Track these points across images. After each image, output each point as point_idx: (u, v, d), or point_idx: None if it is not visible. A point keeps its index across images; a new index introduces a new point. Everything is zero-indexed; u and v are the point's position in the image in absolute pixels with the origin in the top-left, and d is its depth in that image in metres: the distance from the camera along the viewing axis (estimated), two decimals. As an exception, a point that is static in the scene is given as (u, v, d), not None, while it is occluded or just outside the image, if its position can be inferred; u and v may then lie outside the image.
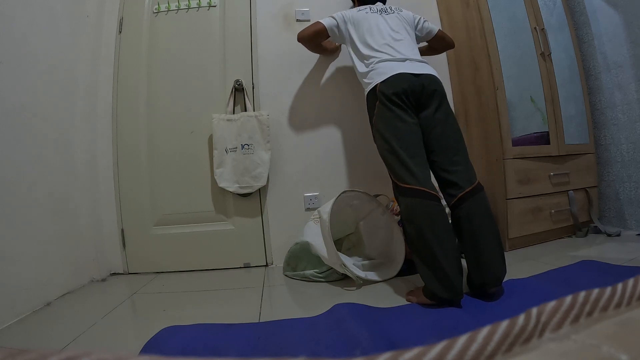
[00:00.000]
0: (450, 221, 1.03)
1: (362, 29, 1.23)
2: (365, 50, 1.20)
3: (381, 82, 1.09)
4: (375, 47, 1.18)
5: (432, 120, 1.08)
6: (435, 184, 1.07)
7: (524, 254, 1.43)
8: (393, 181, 1.07)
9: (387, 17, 1.25)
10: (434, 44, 1.44)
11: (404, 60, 1.13)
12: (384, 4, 1.35)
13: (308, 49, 1.48)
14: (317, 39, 1.37)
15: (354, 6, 1.40)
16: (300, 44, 1.38)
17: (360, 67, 1.21)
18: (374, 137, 1.16)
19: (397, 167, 1.04)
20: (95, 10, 1.58)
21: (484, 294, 0.97)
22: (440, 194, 1.05)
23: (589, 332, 0.16)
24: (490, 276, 0.95)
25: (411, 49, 1.20)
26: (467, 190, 1.01)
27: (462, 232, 1.00)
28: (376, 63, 1.15)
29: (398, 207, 1.41)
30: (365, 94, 1.19)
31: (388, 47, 1.16)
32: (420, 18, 1.34)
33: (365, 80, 1.18)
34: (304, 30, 1.34)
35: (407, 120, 1.06)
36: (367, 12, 1.27)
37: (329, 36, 1.32)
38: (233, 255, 1.56)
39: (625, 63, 1.70)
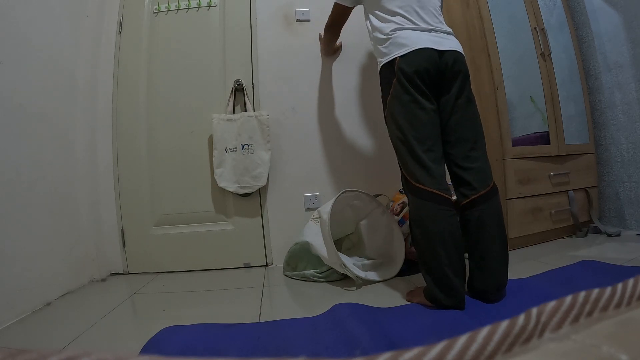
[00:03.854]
0: (458, 222, 0.98)
1: None
2: (383, 13, 1.04)
3: (400, 57, 0.96)
4: (396, 10, 1.01)
5: (453, 106, 0.98)
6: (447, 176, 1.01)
7: (524, 254, 1.43)
8: (403, 174, 1.00)
9: None
10: None
11: (429, 30, 0.99)
12: None
13: (327, 41, 1.49)
14: (342, 20, 1.34)
15: None
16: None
17: (376, 32, 1.04)
18: (385, 118, 1.05)
19: (409, 161, 0.95)
20: (95, 10, 1.58)
21: (483, 299, 0.96)
22: (453, 195, 0.99)
23: (589, 332, 0.16)
24: (493, 285, 0.94)
25: (437, 15, 1.04)
26: (481, 193, 0.95)
27: (469, 235, 0.97)
28: (395, 30, 0.99)
29: (398, 207, 1.41)
30: (380, 65, 1.04)
31: (412, 11, 1.00)
32: None
33: (382, 49, 1.02)
34: (328, 18, 1.35)
35: (426, 106, 0.95)
36: None
37: (351, 7, 1.23)
38: (233, 255, 1.56)
39: (625, 63, 1.70)
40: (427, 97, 0.97)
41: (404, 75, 0.95)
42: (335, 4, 1.25)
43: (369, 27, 1.11)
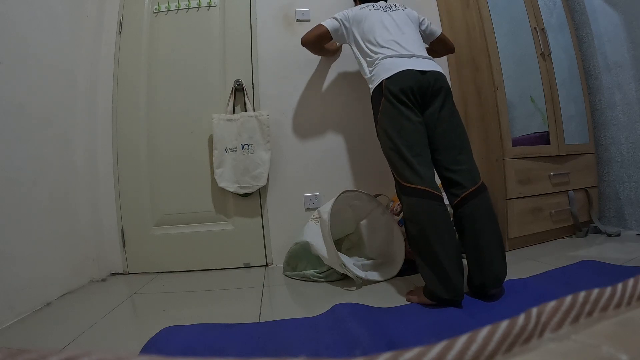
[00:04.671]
0: (452, 220, 1.02)
1: (365, 26, 1.21)
2: (370, 47, 1.18)
3: (387, 79, 1.07)
4: (381, 43, 1.15)
5: (437, 118, 1.07)
6: (439, 183, 1.06)
7: (524, 254, 1.43)
8: (396, 180, 1.06)
9: (393, 14, 1.23)
10: (434, 47, 1.43)
11: (410, 56, 1.11)
12: (386, 1, 1.34)
13: (311, 52, 1.48)
14: (321, 42, 1.37)
15: (356, 4, 1.38)
16: (301, 46, 1.38)
17: (365, 64, 1.19)
18: (377, 134, 1.14)
19: (400, 166, 1.02)
20: (95, 10, 1.58)
21: (483, 295, 0.97)
22: (444, 194, 1.04)
23: (589, 332, 0.16)
24: (491, 277, 0.95)
25: (417, 45, 1.18)
26: (471, 190, 1.00)
27: (464, 232, 1.00)
28: (382, 59, 1.12)
29: (398, 207, 1.41)
30: (371, 90, 1.16)
31: (394, 43, 1.14)
32: (424, 18, 1.34)
33: (371, 76, 1.15)
34: (307, 34, 1.34)
35: (412, 118, 1.04)
36: (370, 10, 1.25)
37: (332, 38, 1.32)
38: (233, 255, 1.56)
39: (625, 63, 1.70)
40: (413, 110, 1.06)
41: (391, 94, 1.06)
42: (319, 25, 1.30)
43: (358, 62, 1.24)
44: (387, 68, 1.09)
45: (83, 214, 1.43)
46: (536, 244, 1.58)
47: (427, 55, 1.16)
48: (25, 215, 1.12)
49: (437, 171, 1.08)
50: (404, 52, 1.12)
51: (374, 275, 1.23)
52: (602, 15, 1.79)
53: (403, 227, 1.33)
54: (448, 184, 1.06)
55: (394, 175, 1.08)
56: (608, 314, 0.18)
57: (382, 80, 1.08)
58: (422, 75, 1.06)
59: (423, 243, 0.96)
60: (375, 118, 1.15)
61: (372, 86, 1.15)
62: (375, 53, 1.15)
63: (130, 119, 1.58)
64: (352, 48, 1.29)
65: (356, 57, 1.26)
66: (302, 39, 1.36)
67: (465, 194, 1.00)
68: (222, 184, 1.50)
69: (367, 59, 1.18)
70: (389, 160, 1.08)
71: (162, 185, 1.57)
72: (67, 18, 1.43)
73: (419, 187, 0.97)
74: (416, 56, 1.12)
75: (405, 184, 1.01)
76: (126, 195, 1.56)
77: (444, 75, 1.11)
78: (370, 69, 1.16)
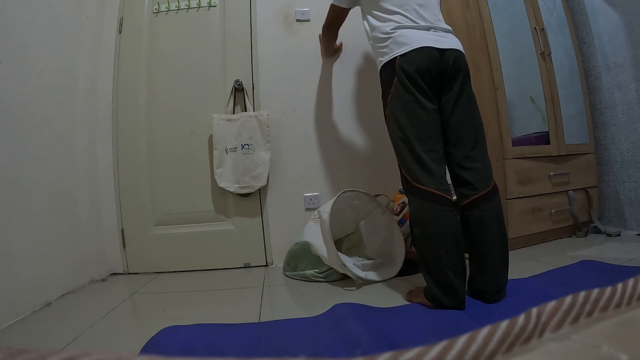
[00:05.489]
0: (459, 223, 0.97)
1: None
2: (382, 12, 1.03)
3: (401, 55, 0.95)
4: (395, 9, 1.00)
5: (453, 105, 0.97)
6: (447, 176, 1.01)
7: (524, 254, 1.43)
8: (403, 175, 0.99)
9: None
10: None
11: (428, 28, 0.99)
12: None
13: (326, 43, 1.48)
14: (339, 21, 1.32)
15: None
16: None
17: (376, 32, 1.04)
18: (385, 117, 1.04)
19: (409, 161, 0.95)
20: (95, 10, 1.58)
21: (483, 299, 0.95)
22: (453, 195, 0.99)
23: (589, 332, 0.16)
24: (492, 285, 0.94)
25: (436, 12, 1.04)
26: (482, 193, 0.95)
27: (469, 235, 0.97)
28: (395, 29, 0.98)
29: (398, 207, 1.41)
30: (380, 64, 1.03)
31: (411, 10, 1.00)
32: None
33: (382, 49, 1.01)
34: (324, 21, 1.35)
35: (427, 106, 0.95)
36: None
37: (348, 8, 1.21)
38: (233, 255, 1.56)
39: (625, 63, 1.70)
40: (428, 96, 0.96)
41: (405, 74, 0.94)
42: (332, 5, 1.25)
43: (367, 28, 1.10)
44: (402, 42, 0.96)
45: (83, 214, 1.43)
46: (536, 244, 1.58)
47: (447, 27, 1.03)
48: (25, 215, 1.12)
49: (448, 165, 1.01)
50: (422, 23, 0.99)
51: (374, 276, 1.23)
52: (602, 15, 1.79)
53: (403, 227, 1.33)
54: (458, 181, 0.99)
55: (400, 168, 1.00)
56: (608, 314, 0.18)
57: (396, 56, 0.96)
58: (441, 56, 0.95)
59: (428, 248, 0.92)
60: (384, 98, 1.03)
61: (382, 60, 1.01)
62: (387, 20, 1.01)
63: (130, 119, 1.58)
64: (362, 12, 1.14)
65: (365, 22, 1.11)
66: (322, 26, 1.39)
67: (475, 196, 0.95)
68: (222, 184, 1.50)
69: (380, 23, 1.03)
70: (397, 150, 1.00)
71: (162, 185, 1.57)
72: (67, 18, 1.43)
73: (429, 189, 0.91)
74: (434, 28, 1.00)
75: (414, 183, 0.94)
76: (126, 195, 1.56)
77: (464, 55, 1.00)
78: (382, 37, 1.01)
